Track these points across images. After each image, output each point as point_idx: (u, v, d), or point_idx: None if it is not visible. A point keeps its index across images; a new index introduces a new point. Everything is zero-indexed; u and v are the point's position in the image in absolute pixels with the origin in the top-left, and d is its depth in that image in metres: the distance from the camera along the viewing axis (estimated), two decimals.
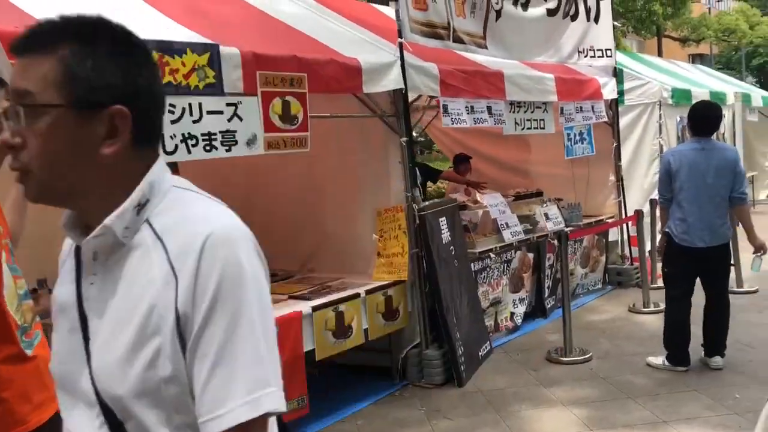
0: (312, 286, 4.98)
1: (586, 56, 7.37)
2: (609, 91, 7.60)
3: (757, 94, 13.79)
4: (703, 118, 5.09)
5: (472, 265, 5.82)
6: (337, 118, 5.21)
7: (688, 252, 4.98)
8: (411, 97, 5.47)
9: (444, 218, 5.34)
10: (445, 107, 5.35)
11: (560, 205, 7.64)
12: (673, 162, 5.09)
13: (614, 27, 7.59)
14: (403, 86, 4.91)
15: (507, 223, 6.37)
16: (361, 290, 4.71)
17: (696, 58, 51.61)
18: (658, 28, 22.21)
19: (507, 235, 6.29)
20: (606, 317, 6.65)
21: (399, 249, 5.02)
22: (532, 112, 6.47)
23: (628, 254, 8.05)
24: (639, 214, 6.88)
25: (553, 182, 8.38)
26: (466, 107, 5.57)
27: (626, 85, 9.26)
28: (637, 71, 10.10)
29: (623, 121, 9.32)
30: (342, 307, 4.51)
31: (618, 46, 22.54)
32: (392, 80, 4.84)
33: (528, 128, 6.43)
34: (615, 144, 7.85)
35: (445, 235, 5.28)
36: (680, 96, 9.68)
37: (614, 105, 7.84)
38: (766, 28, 39.25)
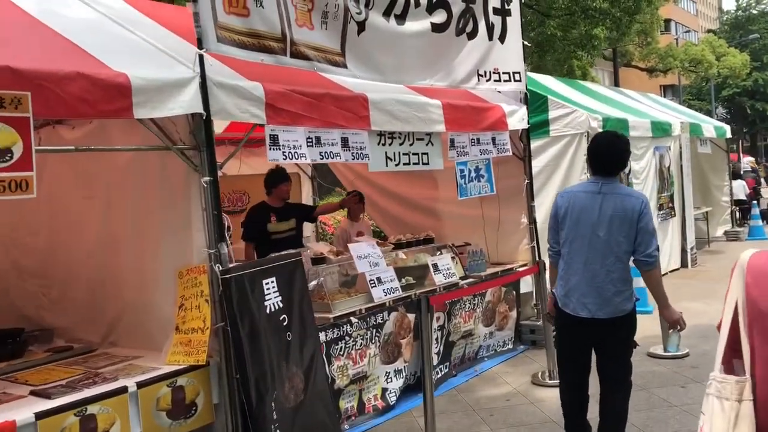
0: (83, 372, 3.80)
1: (488, 80, 6.32)
2: (517, 121, 6.54)
3: (708, 125, 12.90)
4: (600, 152, 4.04)
5: (324, 334, 4.67)
6: (123, 151, 4.10)
7: (572, 321, 3.90)
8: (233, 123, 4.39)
9: (273, 279, 4.19)
10: (274, 138, 4.22)
11: (466, 251, 6.56)
12: (561, 205, 4.04)
13: (523, 47, 6.58)
14: (202, 110, 3.79)
15: (379, 279, 5.25)
16: (131, 382, 3.53)
17: (667, 90, 51.54)
18: (615, 56, 21.38)
19: (377, 294, 5.16)
20: (503, 391, 5.51)
21: (200, 323, 3.86)
22: (411, 144, 5.39)
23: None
24: (540, 264, 5.79)
25: (463, 224, 7.33)
26: (309, 138, 4.47)
27: (551, 114, 8.30)
28: (569, 98, 9.15)
29: (548, 154, 8.34)
30: (94, 408, 3.32)
31: (585, 77, 21.75)
32: (185, 103, 3.72)
33: (406, 164, 5.33)
34: (527, 181, 6.79)
35: (273, 302, 4.12)
36: (614, 125, 8.69)
37: (525, 136, 6.79)
38: (732, 59, 39.13)
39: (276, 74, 4.43)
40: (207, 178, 3.85)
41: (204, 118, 3.82)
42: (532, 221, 6.82)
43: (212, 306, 3.83)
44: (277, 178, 6.18)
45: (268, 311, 4.08)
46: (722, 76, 40.92)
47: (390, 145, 5.18)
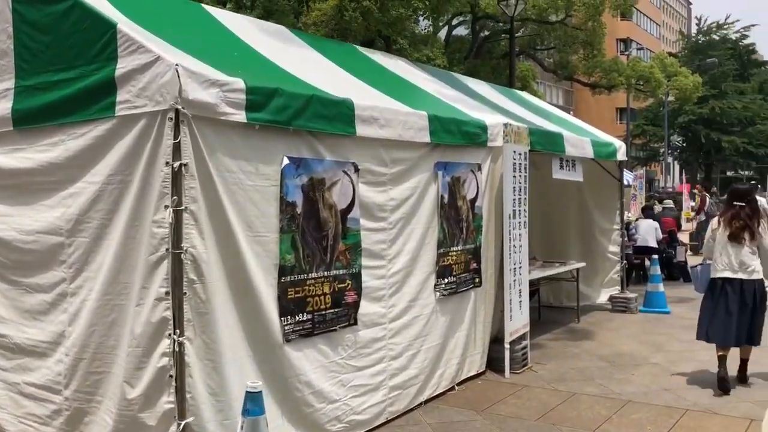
0: None
1: None
2: None
3: (583, 138, 8.31)
4: None
5: None
6: None
7: None
8: None
9: None
10: None
11: None
12: None
13: None
14: None
15: None
16: None
17: (623, 113, 47.36)
18: (512, 59, 16.42)
19: None
20: None
21: None
22: None
23: None
24: None
25: None
26: None
27: (122, 66, 3.74)
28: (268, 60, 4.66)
29: (112, 158, 3.78)
30: None
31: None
32: None
33: None
34: None
35: None
36: (290, 104, 4.15)
37: None
38: (683, 80, 35.04)
39: None
40: None
41: None
42: None
43: None
44: None
45: None
46: (672, 96, 36.91)
47: None
